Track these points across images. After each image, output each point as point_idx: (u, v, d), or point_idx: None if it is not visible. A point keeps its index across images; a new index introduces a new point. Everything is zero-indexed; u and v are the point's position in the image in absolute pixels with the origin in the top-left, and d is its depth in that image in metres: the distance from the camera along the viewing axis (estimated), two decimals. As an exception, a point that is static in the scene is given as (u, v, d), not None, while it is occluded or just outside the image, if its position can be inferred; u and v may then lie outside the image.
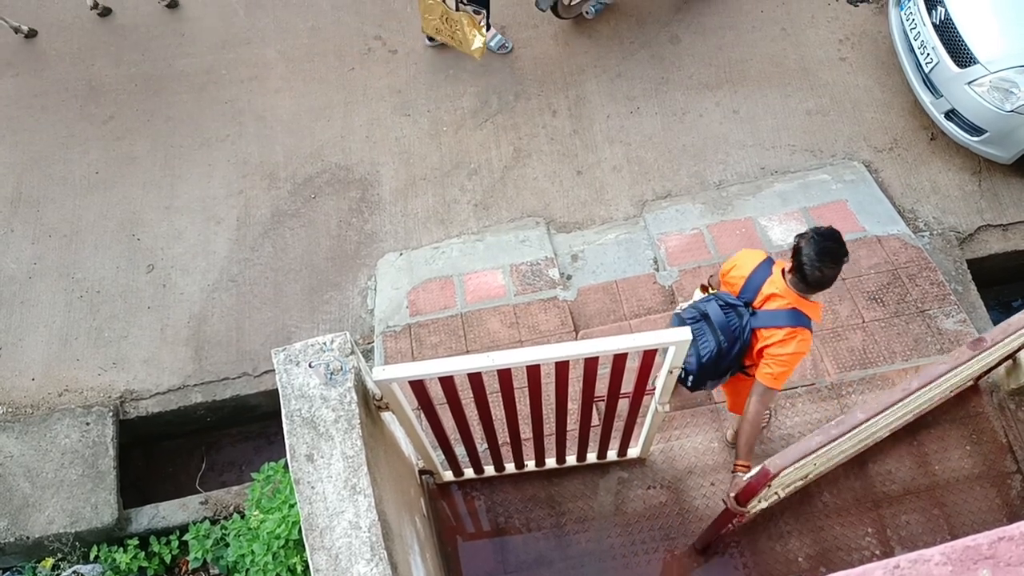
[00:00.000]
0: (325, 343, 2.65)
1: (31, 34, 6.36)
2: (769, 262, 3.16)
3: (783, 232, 5.03)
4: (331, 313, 5.22)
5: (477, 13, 5.33)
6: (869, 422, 2.86)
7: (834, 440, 2.76)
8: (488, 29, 5.43)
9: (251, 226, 5.55)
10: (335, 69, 6.14)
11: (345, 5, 6.42)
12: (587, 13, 6.01)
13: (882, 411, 2.77)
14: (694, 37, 6.10)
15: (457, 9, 5.33)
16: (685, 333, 2.76)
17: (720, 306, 3.15)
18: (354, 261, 5.38)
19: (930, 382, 2.79)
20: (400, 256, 5.30)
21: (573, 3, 5.94)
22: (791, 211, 5.14)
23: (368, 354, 4.89)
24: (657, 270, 5.01)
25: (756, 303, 3.11)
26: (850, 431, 2.77)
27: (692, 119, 5.75)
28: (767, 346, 3.06)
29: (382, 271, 5.25)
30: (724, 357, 3.14)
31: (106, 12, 6.41)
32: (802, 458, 2.77)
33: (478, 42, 5.42)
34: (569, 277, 5.07)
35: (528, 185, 5.57)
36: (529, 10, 6.14)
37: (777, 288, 3.06)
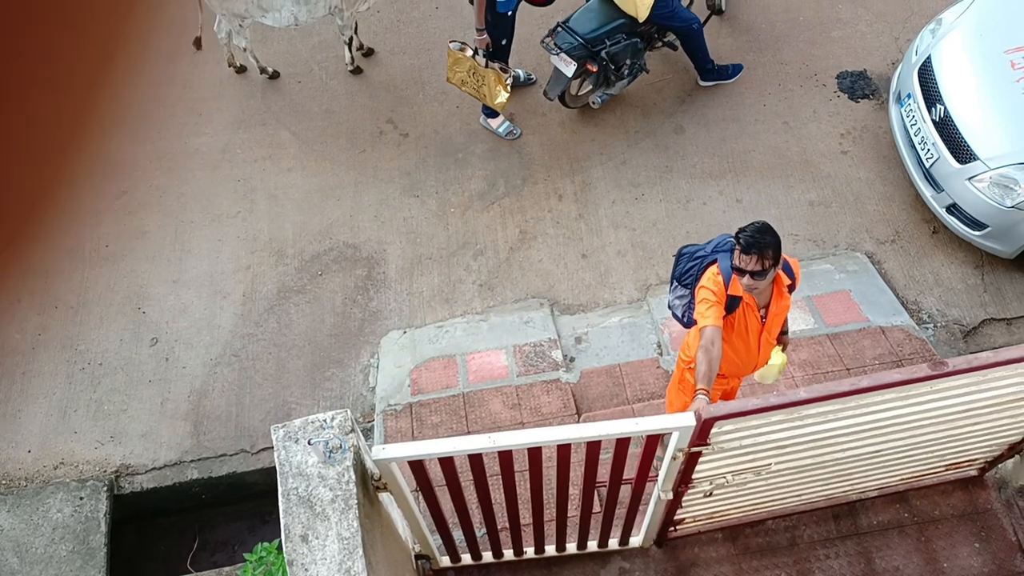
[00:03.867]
0: (325, 420, 2.64)
1: (275, 75, 6.66)
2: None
3: (788, 323, 5.03)
4: (332, 390, 5.19)
5: (504, 71, 5.53)
6: (822, 419, 2.83)
7: (771, 409, 2.70)
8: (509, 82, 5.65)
9: (257, 301, 5.58)
10: (347, 150, 6.28)
11: (359, 90, 6.61)
12: (594, 103, 6.17)
13: (827, 397, 2.71)
14: (698, 128, 6.25)
15: (486, 66, 5.53)
16: (688, 419, 2.74)
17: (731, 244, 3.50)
18: (358, 338, 5.39)
19: (882, 386, 2.72)
20: (404, 334, 5.31)
21: (580, 93, 6.11)
22: (794, 299, 5.14)
23: (368, 433, 4.84)
24: (661, 355, 5.00)
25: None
26: (790, 405, 2.71)
27: (696, 207, 5.84)
28: None
29: (385, 349, 5.24)
30: (695, 259, 3.63)
31: None
32: (738, 415, 2.70)
33: (502, 97, 5.64)
34: (572, 359, 5.06)
35: (533, 267, 5.62)
36: (538, 98, 6.31)
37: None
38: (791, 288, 3.55)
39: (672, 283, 3.85)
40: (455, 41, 5.65)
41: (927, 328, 5.15)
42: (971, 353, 5.04)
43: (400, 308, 5.49)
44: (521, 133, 6.27)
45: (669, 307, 3.93)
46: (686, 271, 3.71)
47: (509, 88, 5.61)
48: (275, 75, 6.65)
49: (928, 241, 5.61)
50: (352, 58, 6.58)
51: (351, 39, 6.43)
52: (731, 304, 3.38)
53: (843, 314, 5.07)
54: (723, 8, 6.69)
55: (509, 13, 5.54)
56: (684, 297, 3.77)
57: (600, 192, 5.95)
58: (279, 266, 5.74)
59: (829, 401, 2.75)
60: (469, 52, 5.57)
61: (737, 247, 3.24)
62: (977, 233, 5.21)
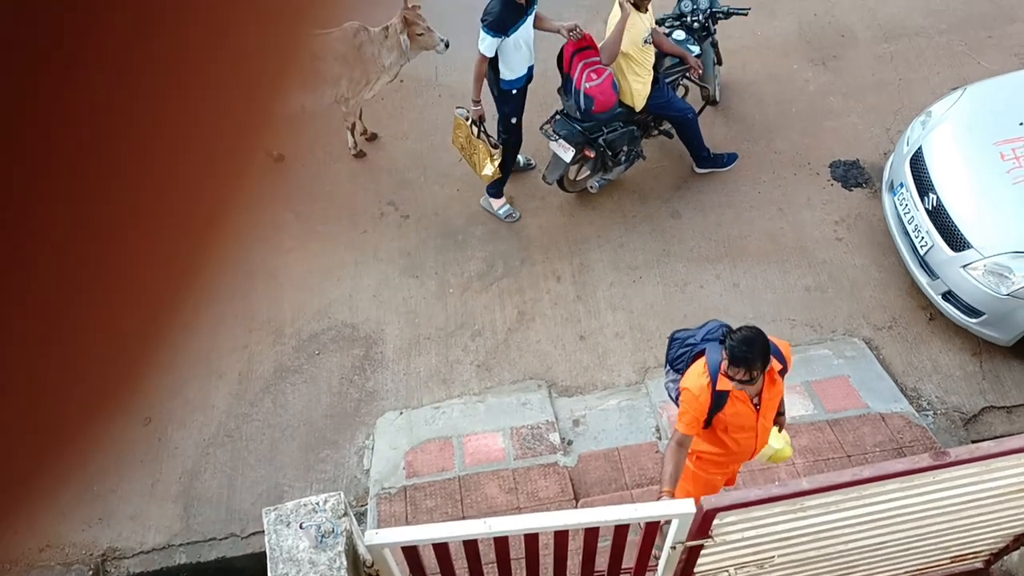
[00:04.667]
0: (318, 503, 2.59)
1: (279, 158, 6.67)
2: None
3: (785, 405, 5.00)
4: (326, 472, 5.11)
5: (495, 147, 5.68)
6: (824, 510, 2.78)
7: (774, 499, 2.63)
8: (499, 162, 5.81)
9: (252, 381, 5.54)
10: (348, 231, 6.35)
11: (361, 173, 6.72)
12: (591, 187, 6.27)
13: (829, 488, 2.66)
14: (694, 213, 6.34)
15: (478, 136, 5.69)
16: (688, 506, 2.69)
17: (722, 331, 3.49)
18: (353, 419, 5.33)
19: (884, 476, 2.68)
20: (400, 415, 5.26)
21: (578, 178, 6.22)
22: (793, 384, 5.13)
23: (361, 517, 4.75)
24: (659, 438, 4.94)
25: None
26: (793, 496, 2.67)
27: (693, 290, 5.87)
28: None
29: (381, 430, 5.19)
30: (686, 345, 3.69)
31: None
32: (740, 506, 2.63)
33: (488, 170, 5.79)
34: (570, 442, 5.00)
35: (531, 348, 5.61)
36: (536, 183, 6.42)
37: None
38: (783, 372, 3.54)
39: (666, 367, 3.86)
40: (461, 108, 5.83)
41: (927, 415, 5.11)
42: (972, 441, 5.01)
43: (397, 388, 5.46)
44: (520, 216, 6.35)
45: (665, 389, 3.94)
46: (677, 357, 3.76)
47: (496, 163, 5.73)
48: (280, 158, 6.74)
49: (925, 328, 5.62)
50: (355, 142, 6.71)
51: (354, 124, 6.57)
52: (719, 400, 3.36)
53: (842, 400, 5.04)
54: (717, 99, 6.88)
55: (514, 91, 5.69)
56: (678, 381, 3.78)
57: (598, 274, 5.99)
58: (276, 345, 5.72)
59: (831, 492, 2.72)
60: (469, 120, 5.73)
61: (725, 353, 3.24)
62: (974, 320, 5.22)
